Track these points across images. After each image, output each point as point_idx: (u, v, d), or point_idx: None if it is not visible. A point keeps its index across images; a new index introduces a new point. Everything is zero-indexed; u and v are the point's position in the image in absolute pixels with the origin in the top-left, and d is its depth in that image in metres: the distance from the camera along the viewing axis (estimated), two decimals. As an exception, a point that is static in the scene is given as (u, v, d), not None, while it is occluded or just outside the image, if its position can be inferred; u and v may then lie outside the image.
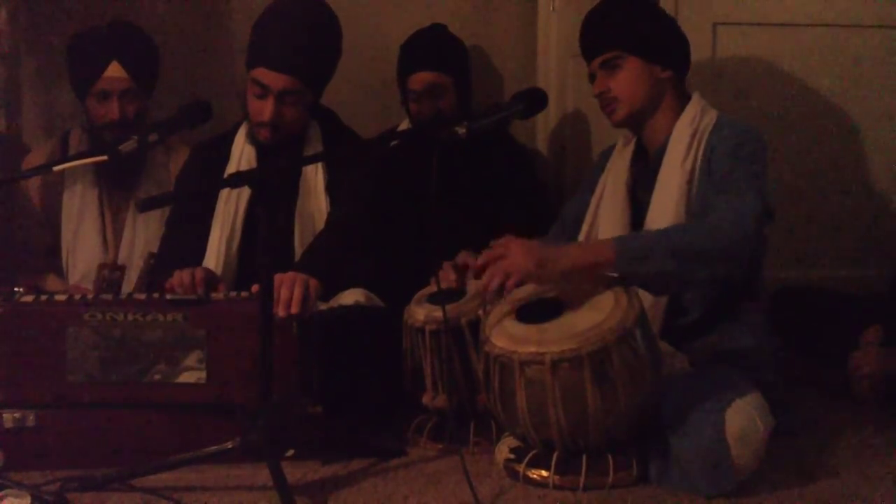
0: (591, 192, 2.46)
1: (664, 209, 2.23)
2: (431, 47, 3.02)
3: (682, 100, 2.33)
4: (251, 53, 2.50)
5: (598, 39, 2.33)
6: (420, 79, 2.96)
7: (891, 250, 2.85)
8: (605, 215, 2.38)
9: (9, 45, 3.05)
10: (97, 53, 2.68)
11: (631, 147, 2.41)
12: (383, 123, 3.15)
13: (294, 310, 2.09)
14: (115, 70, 2.67)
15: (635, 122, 2.35)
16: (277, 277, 2.10)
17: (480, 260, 2.01)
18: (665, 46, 2.34)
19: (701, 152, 2.23)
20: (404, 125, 3.11)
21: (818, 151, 2.91)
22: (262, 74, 2.45)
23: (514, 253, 1.96)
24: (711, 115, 2.28)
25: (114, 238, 2.78)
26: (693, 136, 2.25)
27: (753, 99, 2.86)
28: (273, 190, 1.92)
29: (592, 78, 2.37)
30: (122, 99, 2.68)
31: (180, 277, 2.27)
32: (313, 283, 2.18)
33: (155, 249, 2.64)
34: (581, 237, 2.42)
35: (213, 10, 3.24)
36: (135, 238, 2.76)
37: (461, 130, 1.99)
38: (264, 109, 2.46)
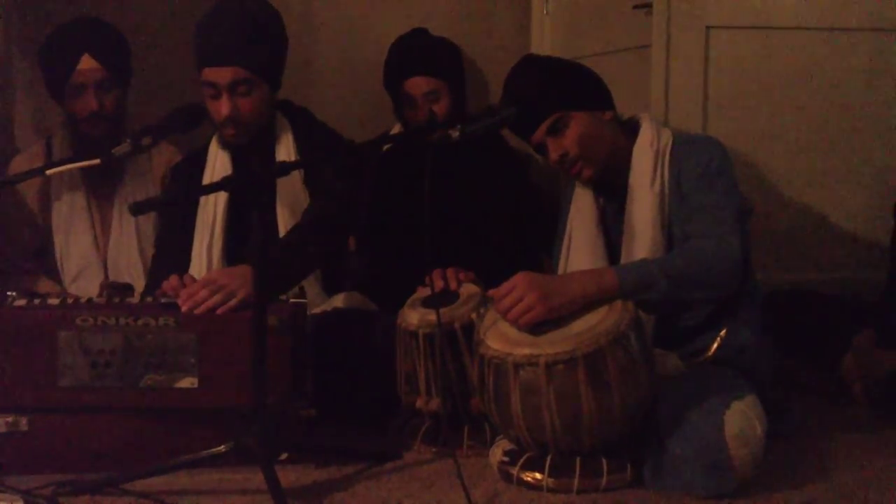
0: (564, 227, 2.47)
1: (641, 233, 2.24)
2: (425, 51, 3.01)
3: (630, 127, 2.35)
4: (196, 60, 2.51)
5: (536, 110, 2.28)
6: (415, 84, 2.95)
7: (883, 253, 2.85)
8: (579, 252, 2.38)
9: (1, 49, 3.05)
10: (68, 49, 2.70)
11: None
12: (377, 127, 3.14)
13: (198, 312, 2.07)
14: (87, 62, 2.68)
15: (604, 171, 2.33)
16: (211, 276, 2.15)
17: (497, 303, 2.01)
18: (594, 91, 2.36)
19: (667, 171, 2.26)
20: (397, 129, 3.10)
21: (810, 154, 2.91)
22: (209, 73, 2.46)
23: (520, 291, 1.96)
24: (667, 134, 2.31)
25: (103, 236, 2.80)
26: (655, 157, 2.27)
27: (746, 102, 2.86)
28: (255, 193, 1.93)
29: (540, 148, 2.34)
30: (98, 90, 2.69)
31: (170, 283, 2.27)
32: (243, 292, 2.12)
33: (141, 245, 2.70)
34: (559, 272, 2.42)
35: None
36: (122, 235, 2.78)
37: (454, 133, 1.99)
38: (220, 107, 2.47)
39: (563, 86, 2.31)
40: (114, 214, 2.80)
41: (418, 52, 3.01)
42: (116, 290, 2.48)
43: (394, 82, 3.02)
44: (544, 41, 3.28)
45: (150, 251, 2.75)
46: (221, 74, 2.45)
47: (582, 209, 2.41)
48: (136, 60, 2.86)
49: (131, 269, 2.75)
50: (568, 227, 2.44)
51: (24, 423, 2.03)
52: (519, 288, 1.97)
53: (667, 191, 2.25)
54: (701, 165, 2.21)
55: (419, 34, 3.09)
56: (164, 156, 2.82)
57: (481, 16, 3.40)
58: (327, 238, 2.46)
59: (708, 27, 2.81)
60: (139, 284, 2.63)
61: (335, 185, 2.52)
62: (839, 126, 2.90)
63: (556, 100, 2.28)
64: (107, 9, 3.03)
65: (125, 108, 2.79)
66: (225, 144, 2.58)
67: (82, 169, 2.71)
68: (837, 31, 2.85)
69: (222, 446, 1.91)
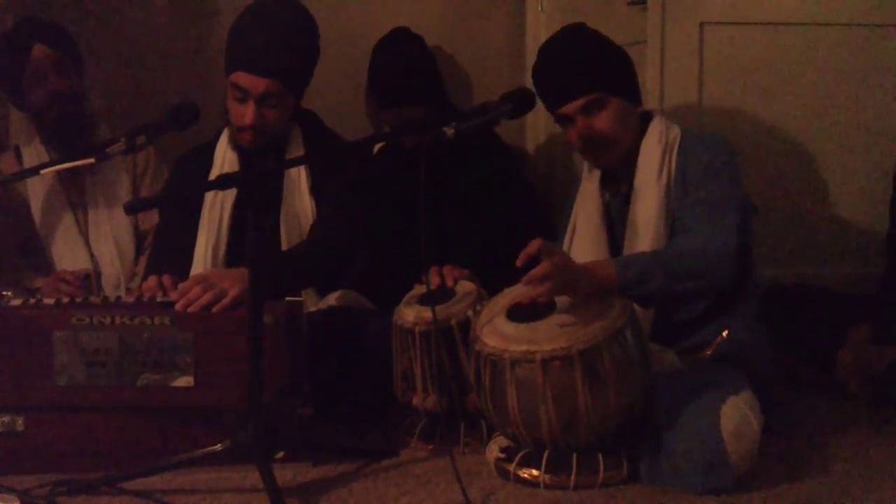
0: (568, 220, 2.47)
1: (645, 227, 2.25)
2: (401, 82, 2.97)
3: (643, 122, 2.36)
4: (229, 58, 2.47)
5: (576, 83, 2.27)
6: (393, 114, 2.95)
7: (879, 248, 2.86)
8: (582, 245, 2.38)
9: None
10: (19, 45, 2.72)
11: (597, 173, 2.42)
12: (370, 126, 3.14)
13: (192, 310, 2.07)
14: (40, 50, 2.71)
15: (619, 161, 2.33)
16: (202, 274, 2.15)
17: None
18: (634, 83, 2.36)
19: (674, 166, 2.27)
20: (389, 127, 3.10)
21: (806, 149, 2.92)
22: (242, 78, 2.43)
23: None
24: (675, 131, 2.32)
25: (84, 223, 2.81)
26: (663, 152, 2.28)
27: (740, 97, 2.87)
28: (258, 192, 1.92)
29: (563, 120, 2.33)
30: (57, 72, 2.71)
31: (148, 284, 2.27)
32: (236, 290, 2.12)
33: (117, 231, 2.75)
34: None
35: (202, 13, 3.24)
36: (99, 221, 2.80)
37: (449, 131, 1.99)
38: (245, 113, 2.44)
39: (612, 68, 2.30)
40: (89, 203, 2.81)
41: (392, 83, 2.98)
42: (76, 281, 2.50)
43: (373, 103, 3.02)
44: (539, 38, 3.27)
45: (126, 237, 2.78)
46: (256, 83, 2.42)
47: (587, 203, 2.41)
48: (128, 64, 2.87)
49: (111, 253, 2.77)
50: (573, 220, 2.44)
51: (20, 422, 2.03)
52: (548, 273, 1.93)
53: (672, 186, 2.25)
54: (705, 161, 2.22)
55: (396, 49, 3.06)
56: (142, 153, 2.81)
57: (475, 12, 3.39)
58: (330, 260, 2.45)
59: (702, 23, 2.82)
60: (115, 269, 2.69)
61: (345, 198, 2.50)
62: (833, 121, 2.91)
63: (602, 79, 2.27)
64: (102, 9, 3.04)
65: (86, 93, 2.81)
66: (236, 146, 2.56)
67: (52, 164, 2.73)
68: (831, 27, 2.86)
69: (219, 445, 1.91)
